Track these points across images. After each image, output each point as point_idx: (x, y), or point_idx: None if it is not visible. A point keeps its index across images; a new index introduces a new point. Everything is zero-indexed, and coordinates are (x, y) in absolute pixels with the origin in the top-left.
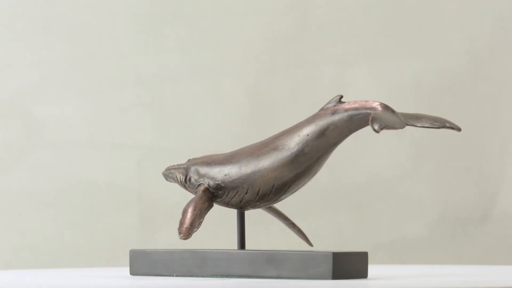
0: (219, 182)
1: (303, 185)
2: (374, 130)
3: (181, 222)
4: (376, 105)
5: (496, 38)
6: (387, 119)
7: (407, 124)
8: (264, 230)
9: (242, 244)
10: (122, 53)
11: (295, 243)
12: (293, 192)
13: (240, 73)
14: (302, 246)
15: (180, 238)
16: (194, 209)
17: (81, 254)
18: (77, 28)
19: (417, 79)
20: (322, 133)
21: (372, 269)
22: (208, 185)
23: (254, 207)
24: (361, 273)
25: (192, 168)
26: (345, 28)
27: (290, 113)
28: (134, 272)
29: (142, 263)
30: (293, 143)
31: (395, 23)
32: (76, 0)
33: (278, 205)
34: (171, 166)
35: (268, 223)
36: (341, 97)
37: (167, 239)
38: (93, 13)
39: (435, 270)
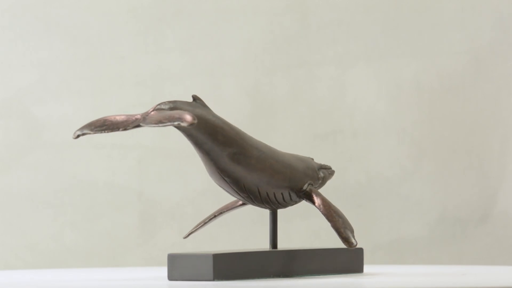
0: None
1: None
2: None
3: None
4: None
5: (496, 38)
6: (97, 123)
7: (140, 126)
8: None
9: (274, 244)
10: (122, 53)
11: (295, 243)
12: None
13: (240, 73)
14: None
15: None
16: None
17: (81, 254)
18: (77, 28)
19: (417, 79)
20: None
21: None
22: None
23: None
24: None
25: None
26: (345, 28)
27: (290, 113)
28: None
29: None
30: None
31: (395, 23)
32: (76, 0)
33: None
34: None
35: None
36: (193, 96)
37: (167, 239)
38: (93, 13)
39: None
